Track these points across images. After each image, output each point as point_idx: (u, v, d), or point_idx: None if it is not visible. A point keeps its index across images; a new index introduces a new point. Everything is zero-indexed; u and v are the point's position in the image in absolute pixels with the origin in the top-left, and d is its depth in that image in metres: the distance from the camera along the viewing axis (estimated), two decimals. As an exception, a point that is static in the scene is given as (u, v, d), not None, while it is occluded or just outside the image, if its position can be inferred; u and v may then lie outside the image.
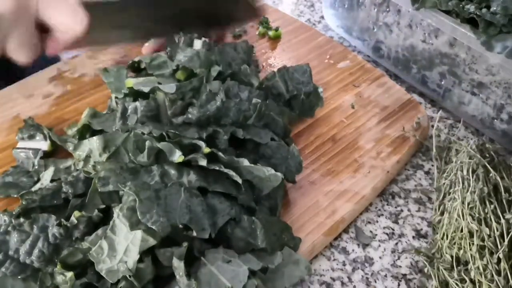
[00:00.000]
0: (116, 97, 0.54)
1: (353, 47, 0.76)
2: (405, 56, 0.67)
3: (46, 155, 0.53)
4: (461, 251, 0.45)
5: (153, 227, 0.39)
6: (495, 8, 0.53)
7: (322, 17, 0.81)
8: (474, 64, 0.58)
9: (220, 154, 0.45)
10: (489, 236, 0.45)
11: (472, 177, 0.49)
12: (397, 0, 0.62)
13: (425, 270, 0.49)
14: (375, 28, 0.69)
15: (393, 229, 0.53)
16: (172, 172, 0.44)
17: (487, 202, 0.47)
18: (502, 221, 0.45)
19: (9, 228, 0.42)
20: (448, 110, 0.66)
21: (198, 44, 0.58)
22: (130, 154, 0.45)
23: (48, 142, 0.53)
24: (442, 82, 0.64)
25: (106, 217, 0.44)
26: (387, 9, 0.65)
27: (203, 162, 0.45)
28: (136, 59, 0.58)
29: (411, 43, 0.65)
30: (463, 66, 0.59)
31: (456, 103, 0.63)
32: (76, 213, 0.43)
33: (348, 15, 0.73)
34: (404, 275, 0.49)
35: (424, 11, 0.59)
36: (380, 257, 0.50)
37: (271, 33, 0.72)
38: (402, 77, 0.70)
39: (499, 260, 0.44)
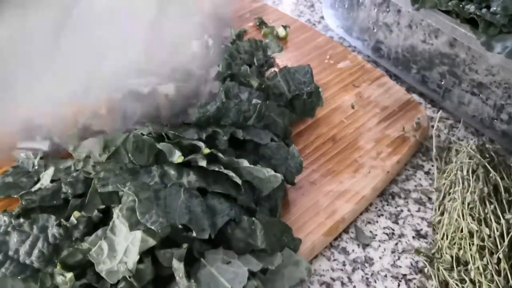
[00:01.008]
0: None
1: (353, 47, 0.76)
2: (405, 56, 0.67)
3: (46, 155, 0.53)
4: (461, 251, 0.45)
5: (152, 227, 0.39)
6: (495, 8, 0.53)
7: (322, 17, 0.81)
8: (474, 64, 0.58)
9: (220, 154, 0.45)
10: (489, 236, 0.45)
11: (472, 177, 0.49)
12: (397, 0, 0.62)
13: (425, 270, 0.49)
14: (375, 28, 0.69)
15: (393, 229, 0.53)
16: (172, 172, 0.44)
17: (487, 202, 0.47)
18: (502, 221, 0.45)
19: (9, 229, 0.42)
20: (448, 110, 0.66)
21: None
22: (129, 155, 0.45)
23: (48, 142, 0.53)
24: (442, 82, 0.64)
25: (106, 217, 0.44)
26: (387, 9, 0.65)
27: (202, 163, 0.45)
28: None
29: (411, 43, 0.65)
30: (463, 66, 0.59)
31: (456, 103, 0.63)
32: (76, 213, 0.43)
33: (348, 15, 0.73)
34: (404, 275, 0.49)
35: (424, 11, 0.59)
36: (380, 257, 0.50)
37: (281, 31, 0.72)
38: (402, 77, 0.70)
39: (499, 260, 0.44)
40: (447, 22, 0.57)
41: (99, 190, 0.43)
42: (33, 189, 0.48)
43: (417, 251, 0.50)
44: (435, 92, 0.66)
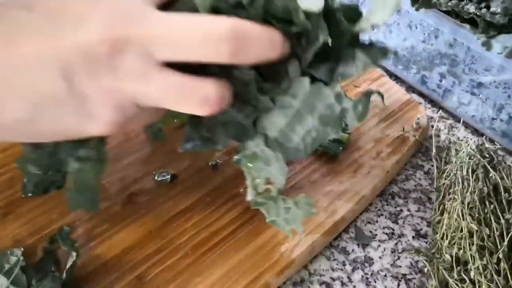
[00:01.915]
0: None
1: (353, 47, 0.76)
2: (405, 56, 0.67)
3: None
4: (461, 251, 0.45)
5: None
6: (494, 9, 0.53)
7: (322, 17, 0.81)
8: (473, 64, 0.58)
9: None
10: (489, 236, 0.45)
11: (472, 177, 0.49)
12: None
13: (425, 270, 0.49)
14: (375, 28, 0.69)
15: (392, 229, 0.53)
16: None
17: (487, 202, 0.47)
18: (502, 221, 0.46)
19: None
20: (448, 110, 0.66)
21: None
22: None
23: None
24: (442, 82, 0.64)
25: None
26: (387, 9, 0.65)
27: None
28: None
29: (411, 43, 0.65)
30: (463, 66, 0.59)
31: (456, 104, 0.63)
32: None
33: (348, 15, 0.73)
34: (404, 275, 0.49)
35: (424, 12, 0.59)
36: (380, 257, 0.50)
37: None
38: (402, 77, 0.70)
39: (498, 260, 0.44)
40: (447, 22, 0.57)
41: None
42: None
43: (417, 251, 0.50)
44: (435, 92, 0.66)
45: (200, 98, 0.30)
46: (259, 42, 0.30)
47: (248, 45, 0.30)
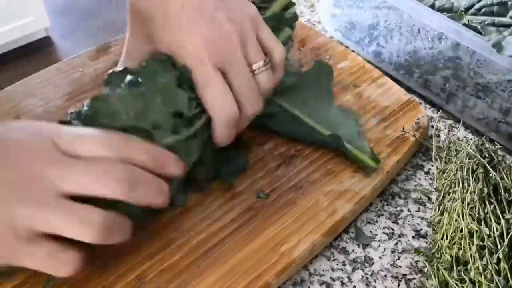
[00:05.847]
0: None
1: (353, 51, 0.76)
2: (407, 61, 0.67)
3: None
4: (461, 251, 0.45)
5: None
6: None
7: (322, 17, 0.81)
8: (479, 68, 0.57)
9: None
10: (489, 236, 0.45)
11: (472, 177, 0.49)
12: (398, 4, 0.62)
13: (425, 270, 0.49)
14: (376, 33, 0.69)
15: (393, 229, 0.53)
16: None
17: (487, 202, 0.47)
18: (502, 221, 0.45)
19: None
20: (451, 113, 0.65)
21: None
22: None
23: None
24: (446, 86, 0.63)
25: None
26: (388, 14, 0.65)
27: None
28: None
29: (414, 47, 0.64)
30: (468, 70, 0.59)
31: (460, 107, 0.63)
32: None
33: (347, 20, 0.72)
34: (404, 275, 0.49)
35: (427, 15, 0.58)
36: (380, 257, 0.50)
37: None
38: (404, 82, 0.69)
39: (498, 260, 0.44)
40: (451, 26, 0.56)
41: None
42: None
43: (417, 251, 0.50)
44: (439, 96, 0.65)
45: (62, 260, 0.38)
46: (148, 188, 0.39)
47: (139, 188, 0.38)
